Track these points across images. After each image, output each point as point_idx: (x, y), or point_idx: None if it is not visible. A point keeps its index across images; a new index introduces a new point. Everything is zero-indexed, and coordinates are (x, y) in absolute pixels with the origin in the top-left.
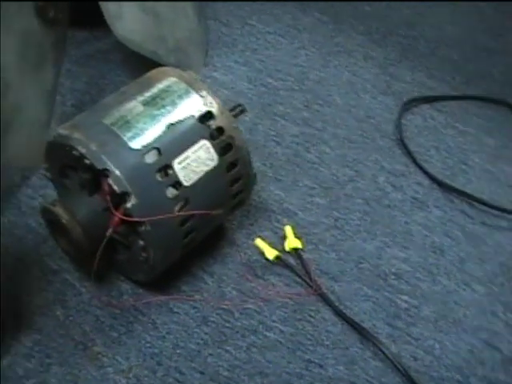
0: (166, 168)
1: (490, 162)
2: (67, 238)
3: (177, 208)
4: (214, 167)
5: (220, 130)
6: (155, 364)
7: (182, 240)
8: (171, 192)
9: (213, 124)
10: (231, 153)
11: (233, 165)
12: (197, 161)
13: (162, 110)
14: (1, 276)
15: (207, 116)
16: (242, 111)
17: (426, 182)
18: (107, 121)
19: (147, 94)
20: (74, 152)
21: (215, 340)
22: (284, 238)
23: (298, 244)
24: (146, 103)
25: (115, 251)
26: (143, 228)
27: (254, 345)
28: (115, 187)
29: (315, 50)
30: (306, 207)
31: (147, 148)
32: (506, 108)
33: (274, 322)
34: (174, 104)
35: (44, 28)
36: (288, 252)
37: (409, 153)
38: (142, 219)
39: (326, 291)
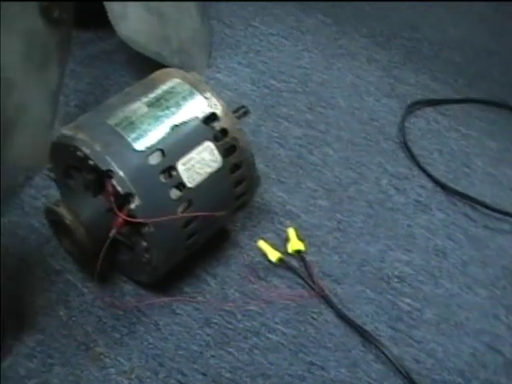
0: (169, 169)
1: (492, 166)
2: (70, 239)
3: (180, 209)
4: (218, 169)
5: (224, 131)
6: (157, 365)
7: (185, 241)
8: (175, 193)
9: (217, 125)
10: (235, 154)
11: (236, 166)
12: (201, 162)
13: (166, 112)
14: (4, 276)
15: (211, 117)
16: (246, 113)
17: (429, 185)
18: (111, 122)
19: (151, 95)
20: (78, 153)
21: (217, 341)
22: (287, 240)
23: (300, 246)
24: (150, 104)
25: (118, 252)
26: (146, 229)
27: (256, 346)
28: (119, 188)
29: (318, 52)
30: (309, 209)
31: (151, 149)
32: (509, 111)
33: (276, 323)
34: (178, 105)
35: (48, 28)
36: (291, 254)
37: (412, 156)
38: (146, 220)
39: (328, 293)
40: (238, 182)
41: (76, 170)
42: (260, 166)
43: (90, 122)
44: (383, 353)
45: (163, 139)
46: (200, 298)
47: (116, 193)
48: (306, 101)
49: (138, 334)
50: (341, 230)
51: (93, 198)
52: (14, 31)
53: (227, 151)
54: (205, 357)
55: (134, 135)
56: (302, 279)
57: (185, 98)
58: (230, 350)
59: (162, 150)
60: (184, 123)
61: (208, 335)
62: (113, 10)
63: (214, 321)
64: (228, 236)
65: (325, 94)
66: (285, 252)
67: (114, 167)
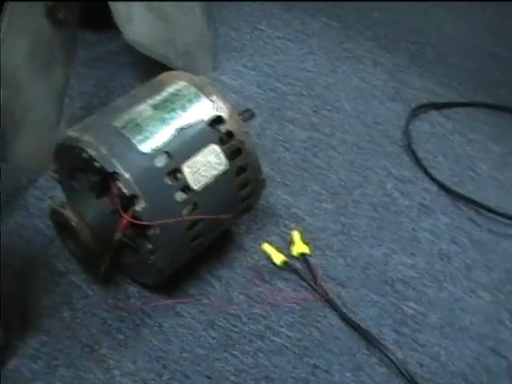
0: (175, 172)
1: (496, 170)
2: (75, 240)
3: (185, 212)
4: (224, 171)
5: (230, 134)
6: (161, 367)
7: (190, 244)
8: (180, 196)
9: (223, 128)
10: (241, 157)
11: (242, 169)
12: (206, 165)
13: (172, 114)
14: (8, 277)
15: (217, 120)
16: (251, 116)
17: (434, 188)
18: (117, 124)
19: (157, 98)
20: (84, 154)
21: (222, 344)
22: (291, 243)
23: (305, 249)
24: (156, 107)
25: (123, 254)
26: (152, 231)
27: (260, 349)
28: (124, 190)
29: (324, 56)
30: (314, 212)
31: (157, 151)
32: None
33: (280, 326)
34: (183, 108)
35: (54, 29)
36: (295, 257)
37: (417, 159)
38: (151, 222)
39: (332, 297)
40: (243, 185)
41: (81, 171)
42: (265, 168)
43: (96, 124)
44: (387, 356)
45: (169, 142)
46: (204, 301)
47: (121, 195)
48: (311, 104)
49: (143, 336)
50: (345, 233)
51: (97, 199)
52: (19, 32)
53: (233, 154)
54: (209, 359)
55: (139, 137)
56: (307, 282)
57: (191, 101)
58: (235, 352)
59: (167, 153)
60: (190, 126)
61: (212, 338)
62: (118, 12)
63: (219, 323)
64: (232, 239)
65: (330, 98)
66: (289, 255)
67: (120, 169)
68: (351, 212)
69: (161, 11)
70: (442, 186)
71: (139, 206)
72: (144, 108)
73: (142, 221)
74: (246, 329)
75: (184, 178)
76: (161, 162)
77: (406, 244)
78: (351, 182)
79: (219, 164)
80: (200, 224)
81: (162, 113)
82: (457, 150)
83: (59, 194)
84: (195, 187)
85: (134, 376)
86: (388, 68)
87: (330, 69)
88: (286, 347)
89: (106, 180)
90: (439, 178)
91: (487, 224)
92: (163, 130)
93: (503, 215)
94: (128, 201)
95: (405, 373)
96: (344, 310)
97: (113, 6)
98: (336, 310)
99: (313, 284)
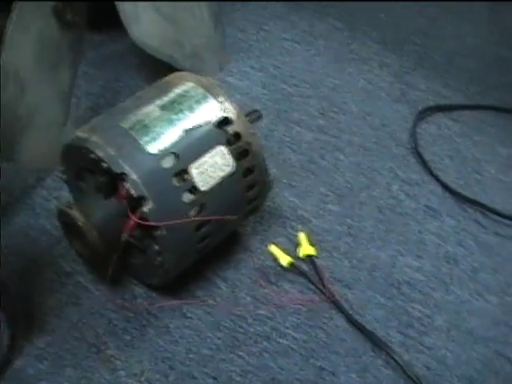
0: (182, 173)
1: (503, 172)
2: (82, 241)
3: (192, 213)
4: (231, 173)
5: (237, 135)
6: (167, 368)
7: (197, 245)
8: (187, 197)
9: (230, 130)
10: (248, 159)
11: (249, 171)
12: (213, 166)
13: (180, 115)
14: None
15: (224, 121)
16: (259, 117)
17: (440, 191)
18: (125, 124)
19: (165, 99)
20: (92, 155)
21: (228, 345)
22: (298, 244)
23: (311, 251)
24: (163, 108)
25: (130, 255)
26: (159, 232)
27: (266, 351)
28: (132, 191)
29: (330, 57)
30: (320, 214)
31: (164, 152)
32: None
33: (286, 328)
34: (191, 109)
35: (61, 30)
36: (302, 259)
37: (423, 162)
38: (159, 223)
39: (339, 298)
40: (250, 187)
41: (88, 172)
42: (272, 170)
43: (104, 125)
44: (393, 359)
45: (176, 143)
46: (211, 302)
47: (129, 196)
48: (317, 105)
49: (149, 337)
50: (352, 235)
51: (105, 200)
52: (27, 32)
53: (240, 155)
54: (215, 360)
55: (147, 138)
56: (313, 284)
57: (198, 102)
58: (241, 353)
59: (175, 154)
60: (197, 127)
61: (219, 339)
62: (125, 12)
63: (225, 324)
64: (239, 240)
65: (336, 99)
66: (296, 256)
67: (128, 170)
68: (357, 214)
69: (168, 12)
70: (448, 188)
71: (147, 207)
72: (152, 109)
73: (149, 222)
74: (252, 330)
75: (191, 179)
76: (168, 163)
77: (413, 246)
78: (358, 183)
79: (226, 165)
80: (207, 225)
81: (169, 114)
82: (463, 152)
83: (66, 195)
84: (202, 188)
85: (140, 377)
86: (394, 70)
87: (336, 70)
88: (292, 349)
89: (113, 181)
90: (445, 180)
91: (493, 226)
92: (171, 131)
93: (509, 218)
94: (135, 202)
95: (411, 375)
96: (350, 312)
97: (120, 6)
98: (342, 312)
99: (319, 286)
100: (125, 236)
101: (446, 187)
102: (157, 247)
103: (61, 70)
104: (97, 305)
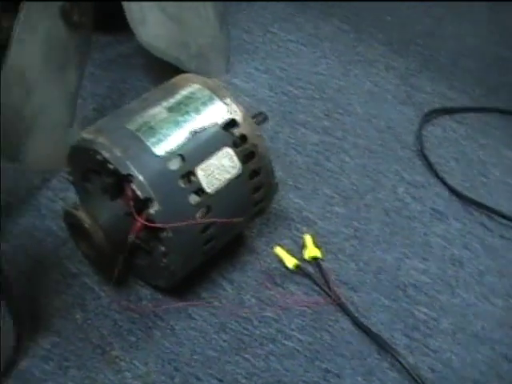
0: (189, 175)
1: (509, 175)
2: (89, 242)
3: (199, 215)
4: (237, 175)
5: (243, 137)
6: (173, 370)
7: (203, 247)
8: (194, 199)
9: (236, 132)
10: (254, 161)
11: (255, 173)
12: (220, 168)
13: (186, 117)
14: (20, 278)
15: (231, 124)
16: (265, 119)
17: (446, 193)
18: (131, 126)
19: (171, 101)
20: (98, 156)
21: (233, 347)
22: (303, 246)
23: (317, 253)
24: (170, 109)
25: (135, 256)
26: (165, 234)
27: (272, 353)
28: (139, 193)
29: (336, 59)
30: (326, 216)
31: (171, 154)
32: None
33: (292, 330)
34: (197, 111)
35: (68, 31)
36: (307, 261)
37: (429, 164)
38: (165, 225)
39: (344, 301)
40: (256, 189)
41: (94, 173)
42: (277, 172)
43: (110, 127)
44: (399, 361)
45: (183, 144)
46: (216, 304)
47: (135, 197)
48: (323, 107)
49: (154, 339)
50: (357, 238)
51: (111, 201)
52: (34, 33)
53: (246, 157)
54: (221, 362)
55: (153, 140)
56: (319, 286)
57: (204, 104)
58: (246, 356)
59: (181, 156)
60: (204, 129)
61: (224, 341)
62: (131, 14)
63: (230, 326)
64: (245, 242)
65: (342, 101)
66: (301, 259)
67: (134, 172)
68: (363, 216)
69: (174, 12)
70: (454, 191)
71: (153, 209)
72: (158, 111)
73: (155, 223)
74: (258, 332)
75: (198, 181)
76: (175, 164)
77: (418, 249)
78: (363, 186)
79: (233, 167)
80: (213, 227)
81: (175, 115)
82: (469, 155)
83: (72, 196)
84: (209, 190)
85: (146, 378)
86: (400, 72)
87: (342, 72)
88: (298, 351)
89: (118, 182)
90: (451, 183)
91: (499, 229)
92: (177, 132)
93: None
94: (142, 203)
95: (416, 378)
96: (356, 315)
97: (126, 7)
98: (348, 314)
99: (325, 288)
100: (131, 237)
101: (451, 190)
102: (163, 249)
103: (68, 71)
104: (102, 306)
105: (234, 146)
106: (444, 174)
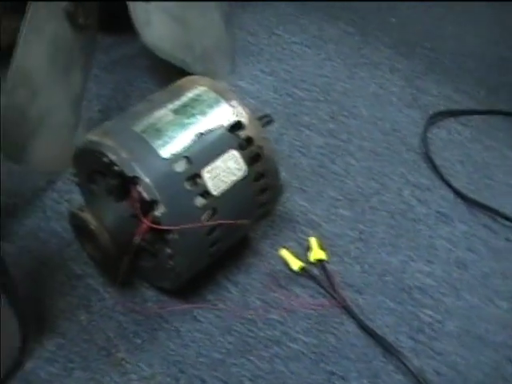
0: (194, 177)
1: None
2: (94, 244)
3: (204, 217)
4: (243, 177)
5: (249, 140)
6: (178, 372)
7: (209, 249)
8: (199, 201)
9: (242, 134)
10: (260, 163)
11: (261, 175)
12: (226, 170)
13: (192, 119)
14: (25, 279)
15: (237, 126)
16: (270, 122)
17: (451, 196)
18: (137, 128)
19: (177, 103)
20: (104, 158)
21: (239, 349)
22: (308, 249)
23: (322, 255)
24: (176, 111)
25: (141, 258)
26: (171, 236)
27: (277, 355)
28: (144, 195)
29: (341, 62)
30: (331, 219)
31: (177, 156)
32: None
33: (297, 332)
34: (203, 113)
35: (74, 33)
36: (312, 263)
37: (434, 167)
38: (171, 227)
39: (349, 303)
40: (261, 191)
41: (100, 175)
42: (282, 174)
43: (116, 128)
44: (404, 364)
45: (189, 147)
46: (221, 306)
47: (141, 199)
48: (328, 110)
49: (160, 341)
50: (363, 240)
51: (116, 203)
52: (41, 33)
53: (252, 160)
54: (226, 364)
55: (159, 142)
56: (324, 289)
57: (210, 106)
58: (251, 358)
59: (187, 158)
60: (209, 131)
61: (229, 343)
62: (136, 15)
63: (236, 329)
64: (250, 244)
65: (347, 104)
66: (306, 261)
67: (140, 174)
68: (368, 219)
69: (179, 14)
70: (459, 193)
71: (159, 211)
72: (164, 113)
73: (161, 225)
74: (263, 334)
75: (204, 184)
76: (180, 166)
77: (424, 252)
78: (368, 188)
79: (238, 169)
80: (219, 229)
81: (181, 118)
82: (474, 157)
83: (77, 197)
84: (215, 192)
85: (151, 380)
86: (405, 74)
87: (347, 75)
88: (303, 353)
89: (124, 184)
90: (456, 185)
91: (504, 232)
92: (183, 135)
93: None
94: (148, 205)
95: (422, 381)
96: (361, 317)
97: (131, 8)
98: (353, 317)
99: (330, 290)
100: (137, 239)
101: (456, 192)
102: (169, 251)
103: (73, 73)
104: (107, 308)
105: (240, 148)
106: (449, 177)
